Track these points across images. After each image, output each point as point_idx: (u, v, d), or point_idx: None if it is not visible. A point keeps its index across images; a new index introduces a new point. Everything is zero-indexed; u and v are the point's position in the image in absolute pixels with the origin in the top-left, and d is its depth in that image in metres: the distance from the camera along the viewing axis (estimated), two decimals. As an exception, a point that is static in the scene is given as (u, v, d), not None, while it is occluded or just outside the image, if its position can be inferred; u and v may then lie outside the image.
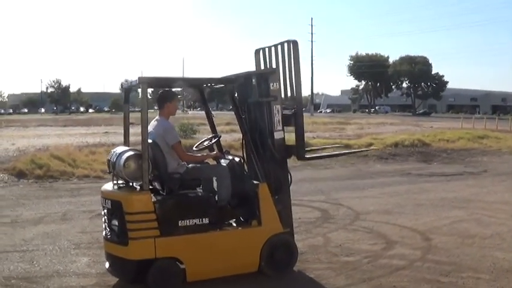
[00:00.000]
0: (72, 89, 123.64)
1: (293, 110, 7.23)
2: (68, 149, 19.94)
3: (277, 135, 7.10)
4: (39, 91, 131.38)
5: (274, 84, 7.04)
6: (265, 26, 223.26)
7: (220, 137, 7.56)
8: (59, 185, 14.97)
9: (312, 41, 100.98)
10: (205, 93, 7.81)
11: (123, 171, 6.28)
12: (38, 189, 14.26)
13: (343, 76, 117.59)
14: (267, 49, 7.64)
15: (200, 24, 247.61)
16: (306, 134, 7.57)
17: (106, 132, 35.47)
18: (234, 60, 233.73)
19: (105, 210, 6.64)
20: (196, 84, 7.71)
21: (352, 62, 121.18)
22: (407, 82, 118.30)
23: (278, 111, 7.06)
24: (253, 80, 7.06)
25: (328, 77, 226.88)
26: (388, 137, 28.13)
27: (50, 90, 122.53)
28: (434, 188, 14.50)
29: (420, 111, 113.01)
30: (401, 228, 9.66)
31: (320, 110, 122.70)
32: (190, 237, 6.37)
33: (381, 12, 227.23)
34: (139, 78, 6.38)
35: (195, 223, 6.41)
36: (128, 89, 7.27)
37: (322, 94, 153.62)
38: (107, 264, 6.73)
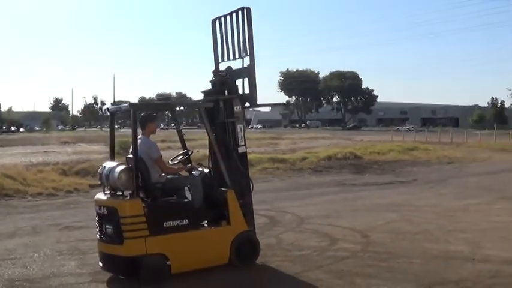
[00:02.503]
0: (3, 108, 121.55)
1: (247, 65, 8.52)
2: (17, 168, 20.48)
3: (241, 149, 8.49)
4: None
5: (238, 107, 8.41)
6: (195, 42, 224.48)
7: (192, 152, 8.83)
8: (15, 202, 15.63)
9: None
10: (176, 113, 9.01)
11: (117, 182, 7.48)
12: (-4, 206, 14.83)
13: (273, 92, 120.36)
14: (222, 18, 8.90)
15: (130, 41, 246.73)
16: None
17: (45, 151, 35.69)
18: (164, 77, 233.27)
19: (99, 216, 7.76)
20: (174, 107, 8.92)
21: (282, 78, 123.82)
22: (337, 97, 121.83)
23: (241, 129, 8.44)
24: (221, 104, 8.40)
25: (259, 93, 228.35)
26: (321, 151, 29.49)
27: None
28: (368, 196, 16.09)
29: (350, 125, 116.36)
30: (342, 228, 11.08)
31: (251, 126, 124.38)
32: (173, 236, 7.60)
33: (311, 29, 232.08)
34: (130, 104, 7.62)
35: (177, 224, 7.66)
36: (113, 112, 8.45)
37: (253, 110, 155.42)
38: (100, 263, 7.86)
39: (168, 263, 7.54)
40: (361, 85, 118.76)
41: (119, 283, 7.72)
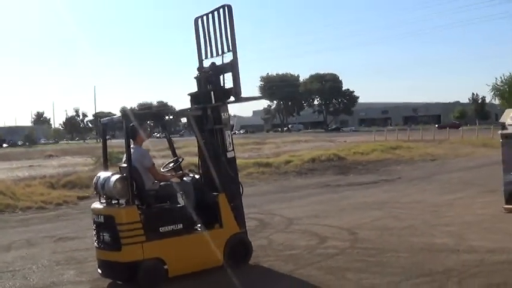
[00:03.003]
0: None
1: (230, 60, 8.80)
2: (5, 183, 20.53)
3: (229, 154, 8.79)
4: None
5: (225, 114, 8.71)
6: (175, 52, 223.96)
7: (183, 159, 9.10)
8: (6, 217, 15.73)
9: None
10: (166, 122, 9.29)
11: (113, 191, 7.74)
12: (-13, 221, 14.91)
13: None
14: (205, 16, 9.19)
15: (109, 52, 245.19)
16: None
17: (31, 166, 35.64)
18: (144, 86, 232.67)
19: (96, 225, 8.01)
20: (164, 116, 9.21)
21: (263, 83, 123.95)
22: (318, 99, 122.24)
23: (229, 135, 8.75)
24: (209, 111, 8.68)
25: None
26: (305, 154, 29.71)
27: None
28: (354, 195, 16.44)
29: (332, 127, 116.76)
30: (330, 227, 11.39)
31: (233, 132, 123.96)
32: (169, 240, 7.88)
33: (289, 33, 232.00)
34: (122, 115, 7.95)
35: (172, 229, 7.94)
36: (106, 124, 8.72)
37: (235, 115, 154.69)
38: (99, 270, 8.10)
39: (165, 267, 7.80)
40: (341, 87, 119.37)
41: (118, 289, 7.99)
